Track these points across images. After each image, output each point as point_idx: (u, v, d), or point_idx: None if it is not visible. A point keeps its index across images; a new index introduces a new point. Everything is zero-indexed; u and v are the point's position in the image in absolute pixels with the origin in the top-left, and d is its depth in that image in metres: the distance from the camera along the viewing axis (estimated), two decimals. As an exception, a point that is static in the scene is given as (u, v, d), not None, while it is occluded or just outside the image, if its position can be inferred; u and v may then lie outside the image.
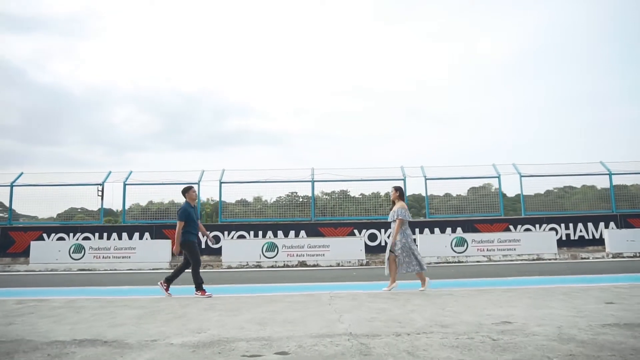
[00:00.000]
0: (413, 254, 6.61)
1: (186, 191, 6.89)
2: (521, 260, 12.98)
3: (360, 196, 16.76)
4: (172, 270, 7.55)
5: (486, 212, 15.64)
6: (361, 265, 12.93)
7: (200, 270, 6.82)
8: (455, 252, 13.10)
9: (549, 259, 13.01)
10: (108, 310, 5.32)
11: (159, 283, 6.69)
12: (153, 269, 12.78)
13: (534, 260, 12.99)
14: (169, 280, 6.67)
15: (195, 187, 7.28)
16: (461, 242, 13.14)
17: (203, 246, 14.58)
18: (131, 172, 15.53)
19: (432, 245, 13.20)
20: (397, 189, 6.94)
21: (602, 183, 16.17)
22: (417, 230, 14.73)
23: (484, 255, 13.11)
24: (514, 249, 13.13)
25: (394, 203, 6.89)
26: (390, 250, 6.70)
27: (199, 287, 6.50)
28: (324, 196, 17.67)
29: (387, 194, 16.52)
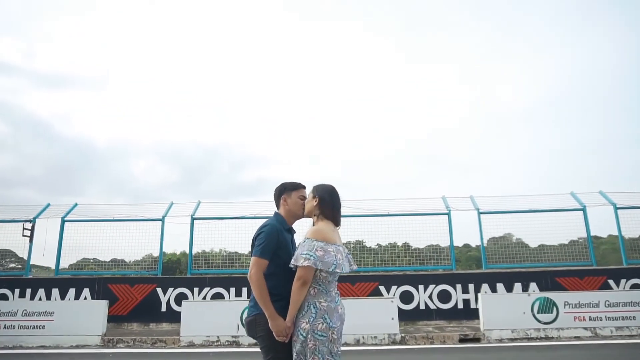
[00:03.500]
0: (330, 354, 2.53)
1: (287, 191, 3.14)
2: (646, 335, 8.25)
3: (377, 246, 12.34)
4: None
5: (557, 259, 11.03)
6: (393, 342, 8.34)
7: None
8: (539, 321, 8.42)
9: (692, 334, 8.25)
10: None
11: None
12: (76, 347, 8.42)
13: (667, 335, 8.24)
14: None
15: (303, 190, 3.22)
16: (548, 305, 8.50)
17: (164, 308, 10.24)
18: (76, 205, 11.56)
19: (502, 311, 8.58)
20: (318, 191, 2.96)
21: None
22: (471, 286, 10.17)
23: (585, 328, 8.39)
24: (633, 318, 8.41)
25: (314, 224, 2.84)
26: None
27: None
28: (339, 246, 13.23)
29: (405, 244, 12.00)
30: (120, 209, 11.57)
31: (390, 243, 12.18)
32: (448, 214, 10.96)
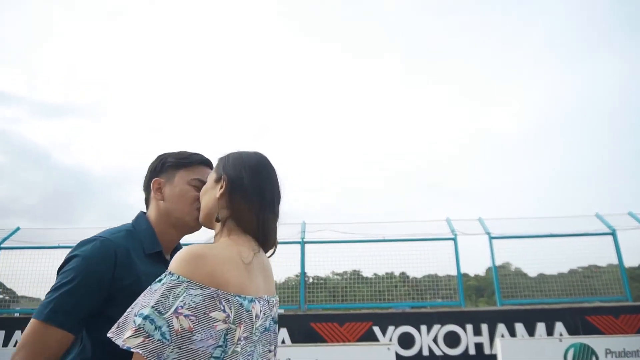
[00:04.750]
0: None
1: (167, 169, 1.57)
2: None
3: (374, 276, 10.63)
4: None
5: (583, 292, 9.35)
6: (391, 403, 6.55)
7: None
8: (575, 375, 6.69)
9: None
10: None
11: None
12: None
13: None
14: None
15: (200, 168, 1.52)
16: (586, 354, 6.76)
17: None
18: (18, 229, 9.84)
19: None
20: (227, 167, 1.30)
21: None
22: (484, 327, 8.42)
23: (633, 383, 6.66)
24: (693, 370, 6.69)
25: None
26: None
27: None
28: (335, 276, 11.59)
29: (402, 274, 10.31)
30: (67, 233, 9.84)
31: (388, 273, 10.47)
32: (454, 239, 9.31)
